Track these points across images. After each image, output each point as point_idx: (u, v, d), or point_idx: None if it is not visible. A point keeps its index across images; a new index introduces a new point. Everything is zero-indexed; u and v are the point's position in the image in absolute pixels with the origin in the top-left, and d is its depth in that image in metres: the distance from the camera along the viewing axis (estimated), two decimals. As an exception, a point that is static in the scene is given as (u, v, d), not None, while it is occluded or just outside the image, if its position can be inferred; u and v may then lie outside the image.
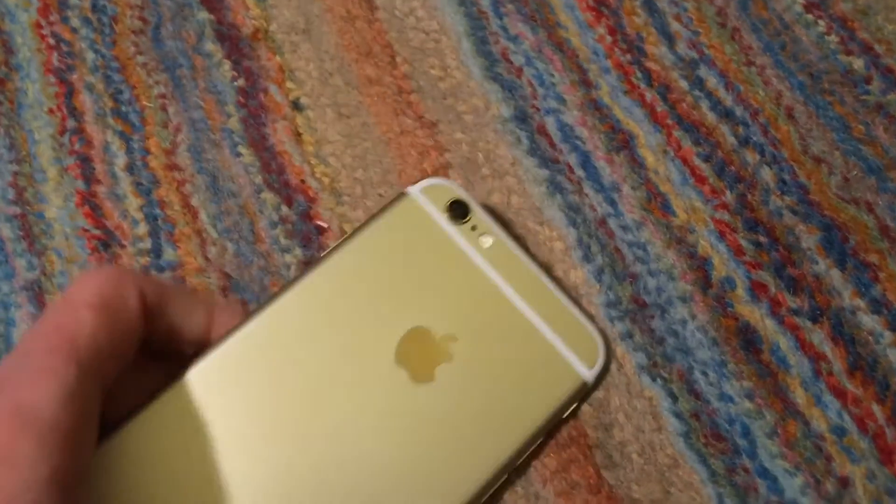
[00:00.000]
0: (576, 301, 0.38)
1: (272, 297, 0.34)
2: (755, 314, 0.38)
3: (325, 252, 0.37)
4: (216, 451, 0.31)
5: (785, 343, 0.37)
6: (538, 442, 0.34)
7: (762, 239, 0.39)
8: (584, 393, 0.35)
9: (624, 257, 0.40)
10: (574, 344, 0.35)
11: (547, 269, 0.40)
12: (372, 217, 0.37)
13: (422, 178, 0.38)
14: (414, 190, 0.37)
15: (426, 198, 0.37)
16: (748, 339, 0.37)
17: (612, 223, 0.40)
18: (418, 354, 0.34)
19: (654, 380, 0.37)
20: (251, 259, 0.41)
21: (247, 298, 0.40)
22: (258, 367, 0.33)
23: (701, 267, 0.39)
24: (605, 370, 0.36)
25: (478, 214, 0.37)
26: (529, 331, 0.35)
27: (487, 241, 0.36)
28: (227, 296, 0.40)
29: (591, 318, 0.37)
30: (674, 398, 0.36)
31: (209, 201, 0.42)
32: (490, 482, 0.33)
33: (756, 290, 0.38)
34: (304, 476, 0.32)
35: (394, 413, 0.33)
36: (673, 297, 0.39)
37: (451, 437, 0.33)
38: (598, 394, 0.37)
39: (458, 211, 0.37)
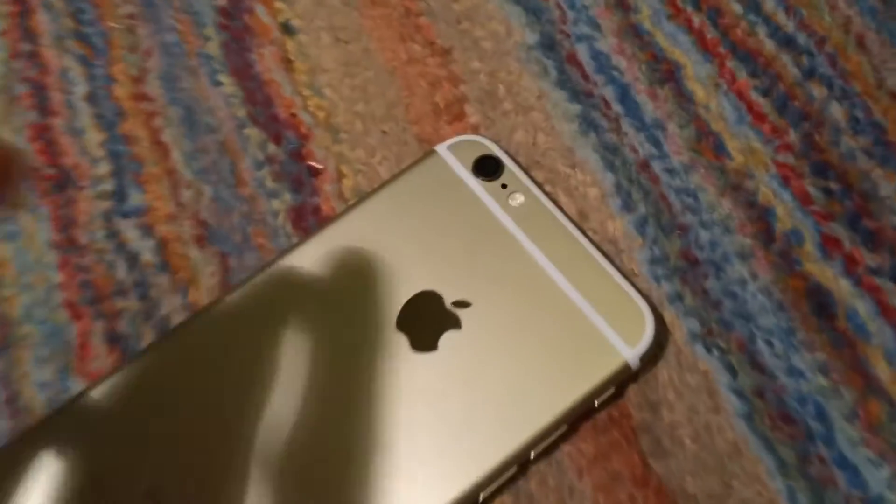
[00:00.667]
0: (620, 268, 0.32)
1: (281, 254, 0.32)
2: (827, 273, 0.32)
3: (339, 211, 0.34)
4: (207, 399, 0.30)
5: (863, 308, 0.31)
6: (559, 431, 0.29)
7: (833, 186, 0.34)
8: (624, 377, 0.30)
9: (671, 206, 0.34)
10: (614, 317, 0.30)
11: (580, 219, 0.34)
12: (394, 175, 0.34)
13: (432, 112, 0.33)
14: (442, 147, 0.34)
15: (455, 155, 0.34)
16: (820, 303, 0.32)
17: (655, 166, 0.35)
18: (421, 320, 0.31)
19: (709, 350, 0.31)
20: (232, 205, 0.35)
21: (226, 250, 0.34)
22: (258, 323, 0.31)
23: (762, 218, 0.33)
24: (652, 350, 0.30)
25: (510, 171, 0.33)
26: (559, 300, 0.31)
27: (518, 200, 0.33)
28: (203, 247, 0.34)
29: (637, 288, 0.31)
30: (733, 372, 0.31)
31: (183, 137, 0.36)
32: (495, 472, 0.28)
33: (827, 245, 0.33)
34: (293, 439, 0.29)
35: (389, 383, 0.30)
36: (730, 252, 0.33)
37: (452, 415, 0.29)
38: (645, 366, 0.31)
39: (487, 167, 0.33)
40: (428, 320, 0.31)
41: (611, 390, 0.30)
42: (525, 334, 0.30)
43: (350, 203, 0.34)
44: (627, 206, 0.34)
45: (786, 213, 0.33)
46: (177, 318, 0.33)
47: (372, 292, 0.31)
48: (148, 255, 0.34)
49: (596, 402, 0.29)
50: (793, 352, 0.31)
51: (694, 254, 0.33)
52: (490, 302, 0.31)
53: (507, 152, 0.34)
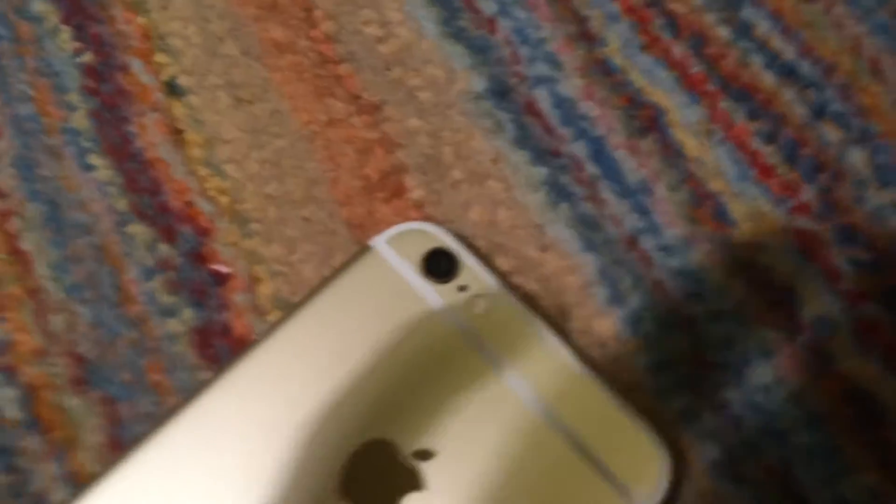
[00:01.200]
0: (620, 390, 0.25)
1: (185, 400, 0.25)
2: (868, 370, 0.26)
3: (258, 335, 0.26)
4: None
5: (915, 410, 0.26)
6: None
7: (863, 255, 0.27)
8: None
9: (668, 294, 0.27)
10: (618, 459, 0.24)
11: (559, 317, 0.27)
12: (321, 284, 0.26)
13: (364, 188, 0.25)
14: (379, 242, 0.27)
15: (396, 250, 0.27)
16: (864, 409, 0.26)
17: (646, 243, 0.28)
18: (373, 480, 0.24)
19: (736, 484, 0.25)
20: (117, 331, 0.27)
21: (114, 394, 0.26)
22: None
23: (783, 302, 0.27)
24: (670, 498, 0.24)
25: (468, 268, 0.26)
26: (546, 441, 0.24)
27: (482, 306, 0.26)
28: (83, 392, 0.26)
29: (644, 417, 0.25)
30: (769, 508, 0.25)
31: (48, 243, 0.28)
32: None
33: (865, 333, 0.27)
34: None
35: None
36: (749, 350, 0.26)
37: None
38: (655, 509, 0.25)
39: (438, 265, 0.26)
40: (380, 480, 0.24)
41: None
42: (506, 492, 0.23)
43: (270, 324, 0.26)
44: (616, 298, 0.27)
45: (811, 295, 0.27)
46: (56, 493, 0.25)
47: (306, 449, 0.24)
48: (12, 409, 0.26)
49: None
50: (838, 478, 0.25)
51: (705, 356, 0.26)
52: (459, 450, 0.24)
53: (462, 238, 0.27)
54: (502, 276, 0.27)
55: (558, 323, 0.27)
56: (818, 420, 0.26)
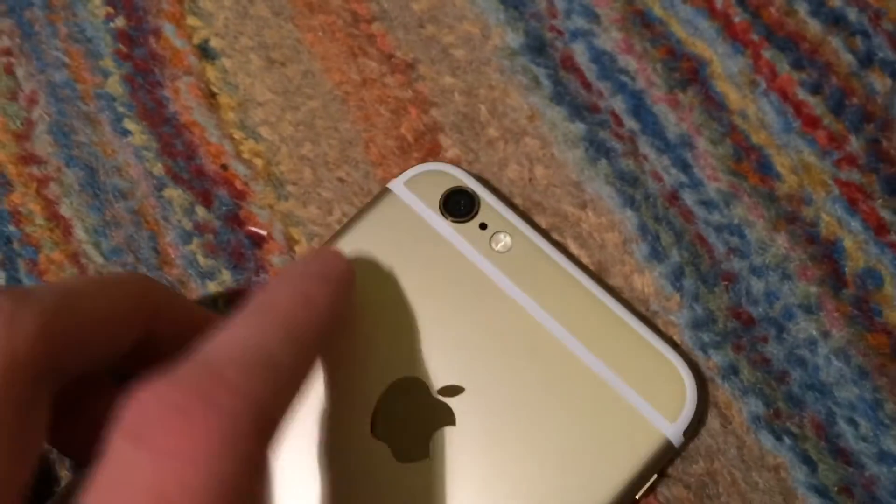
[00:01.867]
0: (645, 318, 0.25)
1: None
2: (917, 324, 0.26)
3: None
4: None
5: (966, 365, 0.25)
6: None
7: (913, 206, 0.27)
8: (668, 458, 0.24)
9: (712, 249, 0.27)
10: (646, 386, 0.24)
11: (598, 273, 0.27)
12: (343, 226, 0.26)
13: (399, 148, 0.25)
14: (397, 184, 0.26)
15: (415, 192, 0.26)
16: (912, 364, 0.25)
17: (687, 198, 0.27)
18: (404, 418, 0.24)
19: (778, 438, 0.25)
20: (157, 294, 0.27)
21: (155, 356, 0.26)
22: None
23: (828, 256, 0.26)
24: (696, 422, 0.24)
25: (488, 206, 0.26)
26: (575, 371, 0.24)
27: (503, 243, 0.26)
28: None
29: (671, 342, 0.25)
30: (811, 465, 0.24)
31: (87, 208, 0.29)
32: None
33: (913, 285, 0.26)
34: None
35: None
36: (792, 305, 0.26)
37: None
38: (698, 465, 0.25)
39: (458, 205, 0.26)
40: (412, 418, 0.24)
41: (653, 477, 0.23)
42: (536, 422, 0.24)
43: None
44: (656, 254, 0.27)
45: (856, 248, 0.26)
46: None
47: (336, 391, 0.24)
48: (55, 371, 0.26)
49: (637, 496, 0.23)
50: (882, 431, 0.25)
51: (747, 311, 0.26)
52: (487, 384, 0.24)
53: (480, 179, 0.27)
54: (523, 216, 0.26)
55: (583, 264, 0.27)
56: (864, 374, 0.25)
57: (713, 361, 0.26)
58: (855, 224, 0.27)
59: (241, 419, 0.16)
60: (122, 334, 0.21)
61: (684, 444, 0.24)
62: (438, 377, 0.24)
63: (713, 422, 0.25)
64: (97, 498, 0.15)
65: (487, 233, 0.26)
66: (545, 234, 0.27)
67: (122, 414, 0.16)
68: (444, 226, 0.26)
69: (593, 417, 0.24)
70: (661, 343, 0.24)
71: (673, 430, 0.23)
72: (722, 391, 0.25)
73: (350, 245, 0.26)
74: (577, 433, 0.23)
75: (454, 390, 0.24)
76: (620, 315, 0.25)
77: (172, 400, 0.16)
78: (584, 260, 0.27)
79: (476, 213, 0.26)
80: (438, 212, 0.26)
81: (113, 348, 0.21)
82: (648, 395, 0.24)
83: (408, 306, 0.25)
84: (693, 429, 0.24)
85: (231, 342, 0.18)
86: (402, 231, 0.26)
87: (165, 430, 0.15)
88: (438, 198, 0.26)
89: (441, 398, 0.24)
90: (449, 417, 0.24)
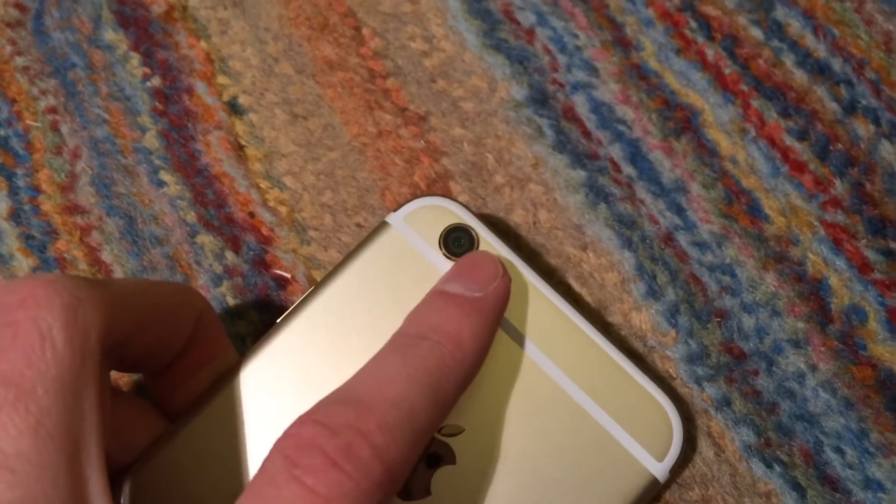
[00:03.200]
0: (636, 357, 0.27)
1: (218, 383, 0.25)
2: (899, 357, 0.27)
3: (278, 321, 0.27)
4: None
5: (947, 396, 0.27)
6: None
7: (894, 246, 0.28)
8: (654, 494, 0.25)
9: (705, 288, 0.29)
10: (635, 425, 0.25)
11: (598, 311, 0.29)
12: (341, 263, 0.27)
13: (412, 197, 0.27)
14: (396, 218, 0.27)
15: (413, 227, 0.27)
16: (894, 394, 0.27)
17: (681, 239, 0.29)
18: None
19: (769, 466, 0.26)
20: (190, 333, 0.30)
21: (188, 391, 0.29)
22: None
23: (814, 293, 0.28)
24: (682, 459, 0.25)
25: (487, 244, 0.26)
26: (566, 411, 0.25)
27: None
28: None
29: (659, 381, 0.26)
30: (800, 491, 0.26)
31: (126, 254, 0.31)
32: None
33: (895, 320, 0.28)
34: None
35: None
36: (781, 340, 0.28)
37: None
38: (693, 492, 0.26)
39: (458, 241, 0.26)
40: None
41: None
42: (531, 460, 0.25)
43: (293, 305, 0.27)
44: (653, 293, 0.29)
45: (842, 286, 0.28)
46: None
47: None
48: (97, 405, 0.29)
49: None
50: (867, 459, 0.26)
51: (738, 346, 0.28)
52: (484, 423, 0.25)
53: (478, 215, 0.27)
54: (521, 256, 0.27)
55: (575, 296, 0.29)
56: (850, 405, 0.27)
57: (707, 394, 0.27)
58: (840, 263, 0.28)
59: (374, 481, 0.19)
60: (175, 330, 0.24)
61: (669, 481, 0.25)
62: None
63: (707, 451, 0.27)
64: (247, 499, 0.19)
65: None
66: (541, 273, 0.27)
67: (286, 441, 0.20)
68: (442, 262, 0.26)
69: (585, 455, 0.25)
70: (649, 383, 0.25)
71: (660, 468, 0.25)
72: (715, 422, 0.27)
73: (347, 280, 0.26)
74: (569, 470, 0.25)
75: (454, 430, 0.25)
76: (612, 355, 0.26)
77: (327, 446, 0.19)
78: (586, 298, 0.29)
79: (473, 250, 0.26)
80: (437, 248, 0.26)
81: (168, 342, 0.24)
82: (637, 435, 0.25)
83: None
84: (678, 465, 0.25)
85: (382, 388, 0.21)
86: (399, 266, 0.26)
87: (314, 470, 0.19)
88: (438, 234, 0.26)
89: (442, 438, 0.25)
90: (450, 457, 0.25)
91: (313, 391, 0.24)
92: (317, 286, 0.27)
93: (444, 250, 0.26)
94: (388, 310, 0.26)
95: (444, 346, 0.22)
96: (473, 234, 0.26)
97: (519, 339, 0.26)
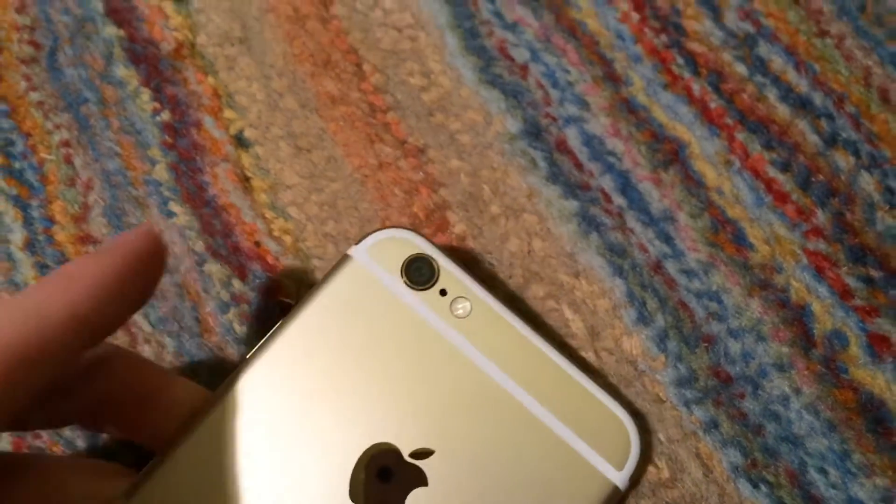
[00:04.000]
0: (595, 373, 0.29)
1: (189, 427, 0.26)
2: (879, 380, 0.28)
3: (247, 356, 0.27)
4: None
5: (925, 417, 0.28)
6: None
7: (874, 273, 0.30)
8: (615, 501, 0.26)
9: (693, 314, 0.30)
10: (596, 439, 0.26)
11: (591, 337, 0.30)
12: (306, 296, 0.27)
13: (412, 225, 0.28)
14: (359, 251, 0.28)
15: (376, 259, 0.28)
16: (875, 417, 0.28)
17: (670, 267, 0.31)
18: (379, 483, 0.26)
19: (755, 486, 0.27)
20: (198, 358, 0.31)
21: (196, 415, 0.30)
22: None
23: (798, 319, 0.29)
24: (640, 468, 0.27)
25: (448, 273, 0.27)
26: (531, 428, 0.26)
27: (463, 308, 0.27)
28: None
29: (617, 395, 0.28)
30: (785, 510, 0.27)
31: (136, 282, 0.32)
32: None
33: (875, 345, 0.29)
34: None
35: None
36: (766, 364, 0.29)
37: None
38: (682, 511, 0.27)
39: (419, 272, 0.27)
40: (387, 482, 0.26)
41: None
42: (498, 477, 0.26)
43: (253, 347, 0.27)
44: (643, 318, 0.30)
45: (824, 312, 0.29)
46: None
47: (314, 458, 0.26)
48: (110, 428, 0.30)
49: None
50: (850, 479, 0.27)
51: (725, 370, 0.29)
52: (453, 445, 0.26)
53: (437, 246, 0.28)
54: (481, 282, 0.28)
55: (536, 318, 0.30)
56: (832, 427, 0.28)
57: (695, 416, 0.28)
58: (822, 290, 0.29)
59: None
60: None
61: (629, 489, 0.26)
62: (409, 441, 0.26)
63: (696, 472, 0.28)
64: None
65: (447, 298, 0.27)
66: (502, 297, 0.28)
67: None
68: (405, 292, 0.27)
69: (549, 469, 0.26)
70: (607, 397, 0.27)
71: (620, 476, 0.26)
72: (704, 443, 0.28)
73: (314, 312, 0.27)
74: (536, 484, 0.26)
75: (424, 453, 0.26)
76: (571, 373, 0.27)
77: None
78: (578, 324, 0.30)
79: (436, 281, 0.27)
80: (399, 278, 0.27)
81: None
82: (597, 447, 0.26)
83: (375, 372, 0.26)
84: (637, 475, 0.26)
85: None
86: (363, 298, 0.27)
87: None
88: (399, 265, 0.27)
89: (413, 461, 0.26)
90: (421, 479, 0.26)
91: (286, 422, 0.26)
92: (285, 319, 0.27)
93: (405, 279, 0.27)
94: (355, 337, 0.27)
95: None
96: (434, 263, 0.27)
97: (486, 364, 0.27)
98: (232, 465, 0.25)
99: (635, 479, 0.27)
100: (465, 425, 0.26)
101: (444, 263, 0.28)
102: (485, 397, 0.26)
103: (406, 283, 0.27)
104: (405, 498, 0.25)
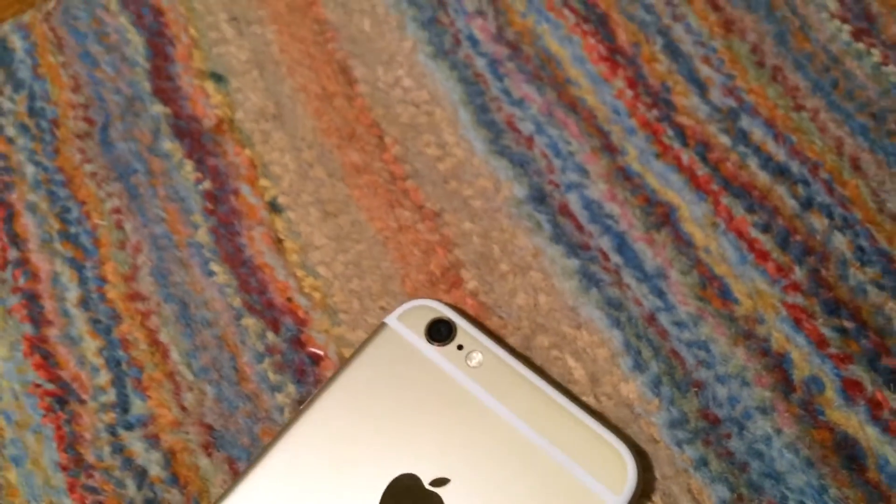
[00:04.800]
0: (594, 412, 0.32)
1: (253, 461, 0.31)
2: (852, 421, 0.31)
3: (305, 402, 0.32)
4: None
5: (894, 455, 0.30)
6: None
7: (847, 324, 0.33)
8: None
9: (684, 361, 0.33)
10: (595, 467, 0.30)
11: (591, 384, 0.33)
12: (351, 356, 0.33)
13: (429, 282, 0.33)
14: (392, 319, 0.33)
15: (406, 324, 0.33)
16: (849, 455, 0.31)
17: (662, 319, 0.34)
18: None
19: (741, 518, 0.30)
20: (236, 404, 0.34)
21: (235, 455, 0.33)
22: None
23: (779, 366, 0.32)
24: (636, 494, 0.30)
25: (463, 331, 0.33)
26: (536, 458, 0.30)
27: (476, 359, 0.32)
28: (211, 455, 0.33)
29: (616, 430, 0.32)
30: (769, 540, 0.30)
31: (181, 335, 0.36)
32: None
33: (849, 390, 0.32)
34: None
35: None
36: (750, 407, 0.32)
37: None
38: (675, 541, 0.30)
39: (440, 331, 0.33)
40: None
41: None
42: (509, 500, 0.30)
43: (311, 395, 0.33)
44: (639, 366, 0.33)
45: (802, 359, 0.32)
46: (191, 534, 0.32)
47: (347, 487, 0.30)
48: (156, 468, 0.33)
49: None
50: (829, 512, 0.30)
51: (714, 412, 0.32)
52: (468, 473, 0.30)
53: (456, 309, 0.34)
54: (492, 336, 0.33)
55: (542, 366, 0.34)
56: (811, 464, 0.31)
57: (686, 455, 0.31)
58: (800, 339, 0.33)
59: None
60: None
61: None
62: (429, 471, 0.30)
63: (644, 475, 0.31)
64: None
65: (463, 352, 0.32)
66: (510, 349, 0.33)
67: None
68: (429, 349, 0.32)
69: (553, 494, 0.29)
70: (606, 432, 0.30)
71: (618, 500, 0.29)
72: (695, 480, 0.31)
73: (357, 368, 0.32)
74: None
75: (442, 481, 0.30)
76: (574, 413, 0.31)
77: None
78: (580, 371, 0.33)
79: (454, 337, 0.32)
80: (424, 338, 0.32)
81: None
82: (599, 476, 0.30)
83: (403, 415, 0.31)
84: (635, 500, 0.30)
85: None
86: (396, 356, 0.32)
87: None
88: (424, 326, 0.33)
89: (432, 489, 0.30)
90: (439, 503, 0.30)
91: (331, 460, 0.31)
92: (332, 376, 0.32)
93: (428, 338, 0.33)
94: (390, 388, 0.32)
95: None
96: (452, 323, 0.33)
97: (496, 406, 0.31)
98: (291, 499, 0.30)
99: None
100: (479, 456, 0.30)
101: (460, 323, 0.33)
102: (495, 434, 0.31)
103: (429, 341, 0.32)
104: None
